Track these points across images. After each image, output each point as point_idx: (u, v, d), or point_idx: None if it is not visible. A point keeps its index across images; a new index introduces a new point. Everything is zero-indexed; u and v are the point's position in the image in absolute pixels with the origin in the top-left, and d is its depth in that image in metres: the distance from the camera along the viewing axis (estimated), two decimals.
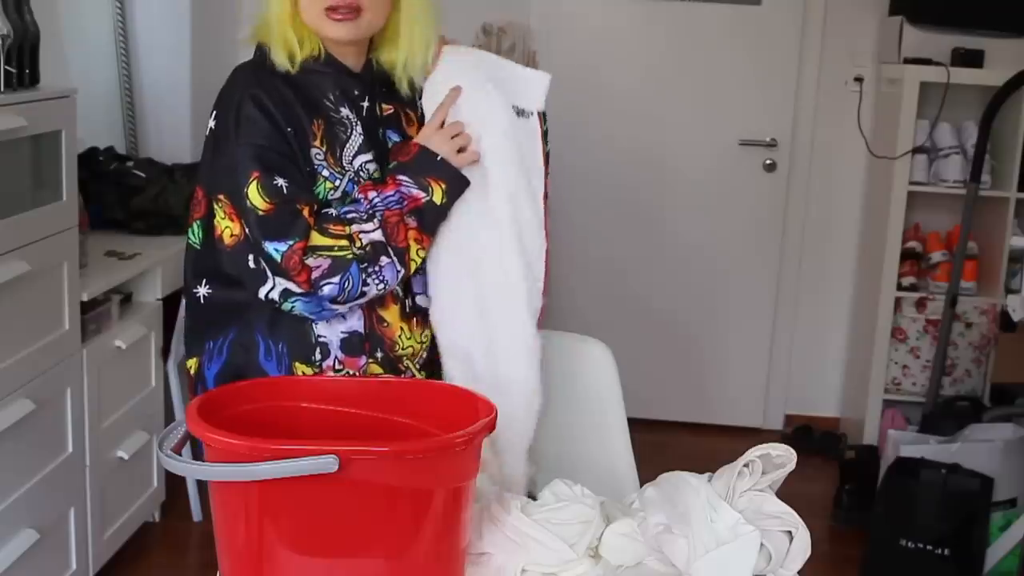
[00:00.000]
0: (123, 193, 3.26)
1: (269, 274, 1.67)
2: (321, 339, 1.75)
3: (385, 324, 1.80)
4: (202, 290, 1.80)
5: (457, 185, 1.77)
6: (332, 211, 1.71)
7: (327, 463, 1.22)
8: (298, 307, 1.70)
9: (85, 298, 2.68)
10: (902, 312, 3.97)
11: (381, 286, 1.71)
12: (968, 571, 3.05)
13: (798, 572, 1.47)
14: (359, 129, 1.78)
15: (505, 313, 1.81)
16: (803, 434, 4.19)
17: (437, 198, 1.74)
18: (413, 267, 1.75)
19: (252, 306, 1.74)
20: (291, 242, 1.65)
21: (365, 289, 1.70)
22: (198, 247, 1.78)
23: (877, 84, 4.12)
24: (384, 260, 1.70)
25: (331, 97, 1.77)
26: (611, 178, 4.29)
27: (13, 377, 2.38)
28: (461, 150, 1.78)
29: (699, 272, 4.34)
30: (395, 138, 1.85)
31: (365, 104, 1.81)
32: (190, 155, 3.69)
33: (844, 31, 4.14)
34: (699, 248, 4.32)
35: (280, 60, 1.74)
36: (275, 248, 1.65)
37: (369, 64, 1.84)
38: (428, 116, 1.83)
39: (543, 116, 1.89)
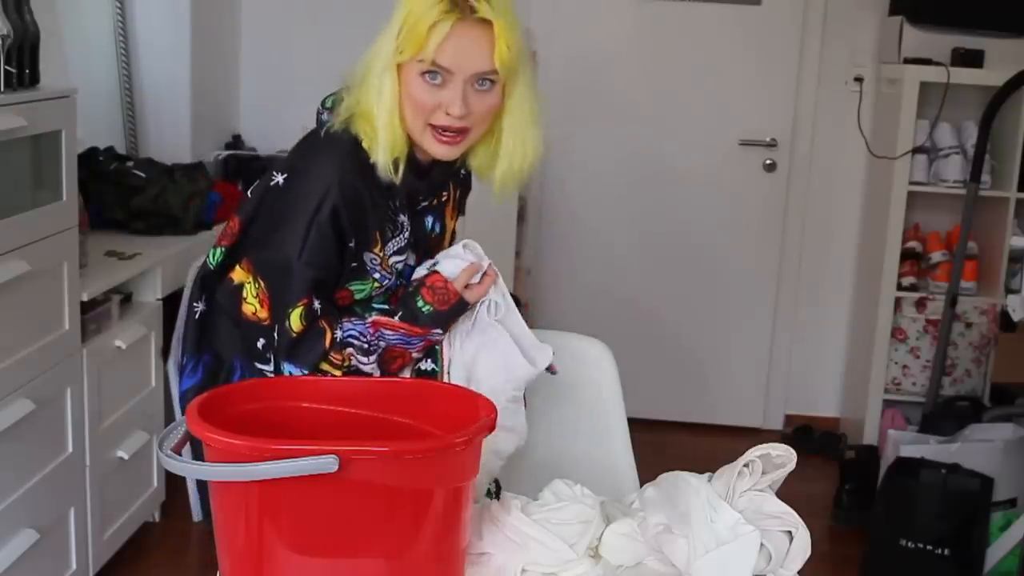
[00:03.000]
0: (123, 193, 3.25)
1: (271, 357, 1.69)
2: None
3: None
4: (200, 306, 1.81)
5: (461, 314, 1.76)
6: (338, 334, 1.69)
7: (327, 463, 1.22)
8: None
9: (85, 298, 2.68)
10: (902, 312, 3.97)
11: None
12: (968, 571, 3.05)
13: (798, 572, 1.47)
14: (407, 234, 1.75)
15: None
16: (803, 434, 4.19)
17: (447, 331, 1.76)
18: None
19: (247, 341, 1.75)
20: (306, 371, 1.67)
21: None
22: (212, 267, 1.76)
23: (877, 84, 4.12)
24: None
25: (396, 203, 1.73)
26: (611, 178, 4.29)
27: (13, 377, 2.38)
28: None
29: (699, 272, 4.34)
30: (437, 229, 1.83)
31: (423, 202, 1.78)
32: (190, 155, 3.69)
33: (844, 31, 4.14)
34: (699, 248, 4.32)
35: (384, 165, 1.66)
36: (290, 371, 1.68)
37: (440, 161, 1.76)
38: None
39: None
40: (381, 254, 1.71)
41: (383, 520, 1.29)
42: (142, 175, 3.29)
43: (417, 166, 1.72)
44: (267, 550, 1.29)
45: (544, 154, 1.80)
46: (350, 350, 1.68)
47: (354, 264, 1.70)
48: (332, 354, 1.68)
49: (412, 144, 1.69)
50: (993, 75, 3.72)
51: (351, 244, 1.67)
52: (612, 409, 2.08)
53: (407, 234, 1.75)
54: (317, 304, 1.66)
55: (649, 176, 4.28)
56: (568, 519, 1.51)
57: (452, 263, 1.77)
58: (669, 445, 3.94)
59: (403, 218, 1.74)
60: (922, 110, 3.84)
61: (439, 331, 1.72)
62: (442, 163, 1.75)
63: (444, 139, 1.65)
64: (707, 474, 1.55)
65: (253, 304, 1.69)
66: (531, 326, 1.88)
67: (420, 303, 1.71)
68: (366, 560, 1.30)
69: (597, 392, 2.09)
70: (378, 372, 1.71)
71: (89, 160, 3.26)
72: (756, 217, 4.29)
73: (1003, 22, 3.86)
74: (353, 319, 1.72)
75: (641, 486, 1.70)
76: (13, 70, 2.37)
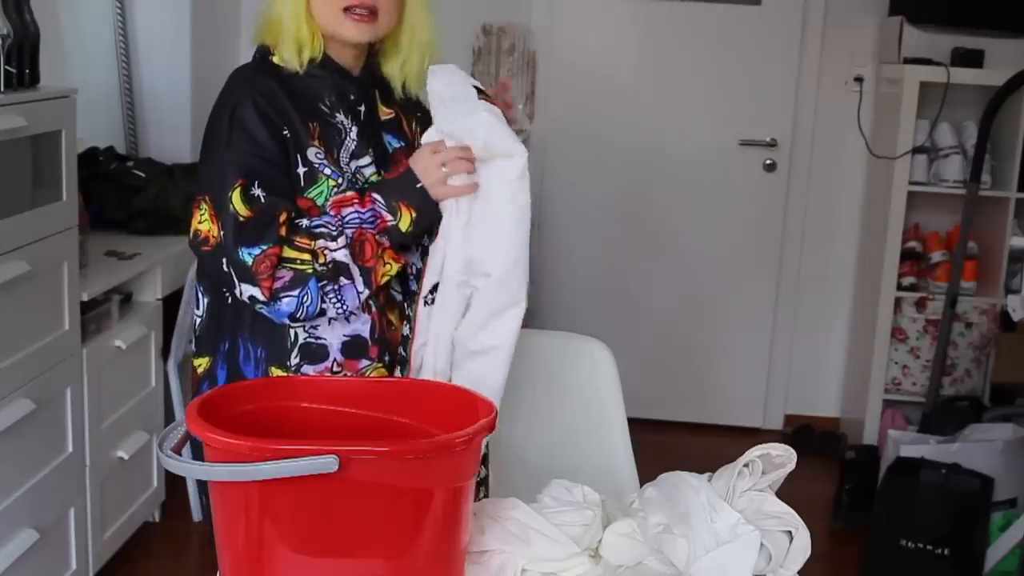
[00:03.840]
0: (123, 193, 3.26)
1: (235, 280, 1.67)
2: (320, 341, 1.75)
3: (393, 328, 1.79)
4: (204, 298, 1.81)
5: (427, 216, 1.72)
6: (304, 222, 1.69)
7: (327, 463, 1.22)
8: (264, 312, 1.70)
9: (85, 298, 2.68)
10: (902, 312, 3.97)
11: (339, 306, 1.70)
12: (968, 571, 3.05)
13: (798, 572, 1.47)
14: (353, 134, 1.77)
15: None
16: (803, 434, 4.19)
17: (403, 224, 1.71)
18: (384, 281, 1.73)
19: (242, 310, 1.74)
20: (265, 247, 1.65)
21: (324, 307, 1.69)
22: (190, 239, 1.77)
23: (877, 84, 4.12)
24: (344, 281, 1.68)
25: (327, 101, 1.77)
26: (611, 178, 4.29)
27: (13, 377, 2.38)
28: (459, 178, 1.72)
29: (699, 272, 4.34)
30: (395, 143, 1.85)
31: (362, 109, 1.81)
32: (190, 155, 3.69)
33: (844, 31, 4.14)
34: (699, 248, 4.33)
35: (289, 58, 1.74)
36: (249, 252, 1.65)
37: (368, 68, 1.84)
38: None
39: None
40: (321, 147, 1.73)
41: (383, 520, 1.29)
42: (142, 175, 3.30)
43: (338, 68, 1.79)
44: (267, 550, 1.29)
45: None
46: (321, 241, 1.67)
47: (305, 169, 1.71)
48: (297, 239, 1.67)
49: (327, 46, 1.77)
50: (993, 75, 3.73)
51: (285, 132, 1.70)
52: (612, 409, 2.08)
53: (354, 135, 1.77)
54: (259, 192, 1.66)
55: (649, 176, 4.28)
56: (568, 521, 1.51)
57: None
58: (669, 445, 3.93)
59: (341, 117, 1.77)
60: (922, 110, 3.84)
61: (379, 198, 1.70)
62: (369, 67, 1.83)
63: (357, 17, 1.74)
64: (707, 474, 1.55)
65: (211, 228, 1.68)
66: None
67: (376, 180, 1.76)
68: (366, 560, 1.30)
69: (597, 392, 2.09)
70: (353, 265, 1.68)
71: (89, 160, 3.26)
72: (756, 217, 4.29)
73: (1003, 22, 3.86)
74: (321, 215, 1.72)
75: (641, 486, 1.70)
76: (13, 70, 2.37)
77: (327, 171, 1.72)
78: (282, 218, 1.67)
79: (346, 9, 1.73)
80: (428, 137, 1.75)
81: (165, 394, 3.21)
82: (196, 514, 2.00)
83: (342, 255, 1.68)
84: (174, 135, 3.72)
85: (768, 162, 4.25)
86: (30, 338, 2.45)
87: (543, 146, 4.21)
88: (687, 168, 4.27)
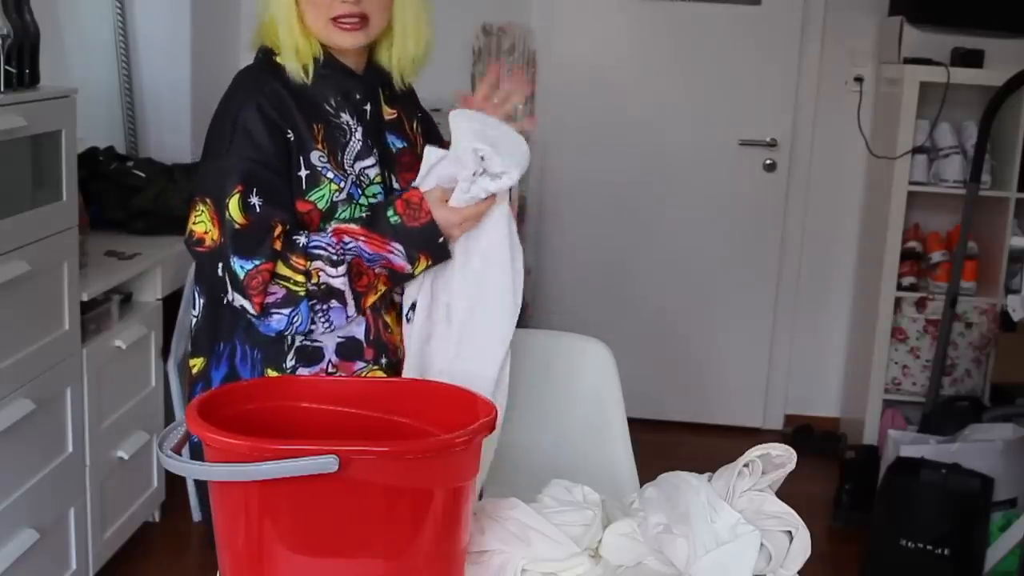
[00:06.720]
0: (123, 193, 3.26)
1: (228, 287, 1.67)
2: (316, 344, 1.75)
3: (389, 331, 1.79)
4: (201, 300, 1.81)
5: (440, 261, 1.73)
6: (301, 239, 1.68)
7: (327, 463, 1.22)
8: (254, 323, 1.70)
9: (85, 298, 2.68)
10: (902, 312, 3.97)
11: (327, 325, 1.70)
12: (968, 571, 3.05)
13: (798, 572, 1.47)
14: (358, 135, 1.77)
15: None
16: (803, 434, 4.19)
17: (418, 271, 1.72)
18: (371, 303, 1.73)
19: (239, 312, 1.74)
20: (257, 262, 1.65)
21: (313, 327, 1.70)
22: (185, 238, 1.77)
23: (877, 84, 4.12)
24: (334, 303, 1.68)
25: (332, 102, 1.77)
26: (611, 178, 4.29)
27: (13, 377, 2.38)
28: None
29: (699, 272, 4.34)
30: (399, 144, 1.85)
31: (367, 108, 1.81)
32: (190, 155, 3.69)
33: (844, 31, 4.14)
34: (699, 248, 4.33)
35: (293, 69, 1.73)
36: (241, 265, 1.65)
37: (371, 65, 1.83)
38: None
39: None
40: (325, 150, 1.72)
41: (383, 520, 1.29)
42: (142, 175, 3.30)
43: (342, 67, 1.78)
44: (267, 550, 1.29)
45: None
46: (319, 263, 1.66)
47: (307, 172, 1.71)
48: (293, 258, 1.66)
49: (329, 48, 1.77)
50: (993, 75, 3.73)
51: (289, 135, 1.69)
52: (612, 409, 2.08)
53: (359, 135, 1.77)
54: (256, 200, 1.66)
55: (649, 176, 4.28)
56: (569, 521, 1.51)
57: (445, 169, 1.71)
58: (669, 445, 3.94)
59: (346, 117, 1.77)
60: (922, 110, 3.84)
61: (399, 248, 1.68)
62: (373, 66, 1.82)
63: (346, 26, 1.73)
64: (707, 474, 1.55)
65: (210, 230, 1.68)
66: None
67: (390, 212, 1.70)
68: (366, 560, 1.30)
69: (597, 392, 2.09)
70: (348, 290, 1.68)
71: (89, 160, 3.26)
72: (756, 217, 4.29)
73: (1003, 22, 3.86)
74: (321, 233, 1.71)
75: (641, 486, 1.70)
76: (13, 70, 2.37)
77: (330, 175, 1.72)
78: (276, 231, 1.66)
79: (334, 19, 1.73)
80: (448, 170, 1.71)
81: (165, 394, 3.21)
82: (196, 514, 2.00)
83: (340, 283, 1.67)
84: (174, 135, 3.72)
85: (768, 162, 4.25)
86: (30, 338, 2.45)
87: (543, 146, 4.21)
88: (687, 168, 4.27)
